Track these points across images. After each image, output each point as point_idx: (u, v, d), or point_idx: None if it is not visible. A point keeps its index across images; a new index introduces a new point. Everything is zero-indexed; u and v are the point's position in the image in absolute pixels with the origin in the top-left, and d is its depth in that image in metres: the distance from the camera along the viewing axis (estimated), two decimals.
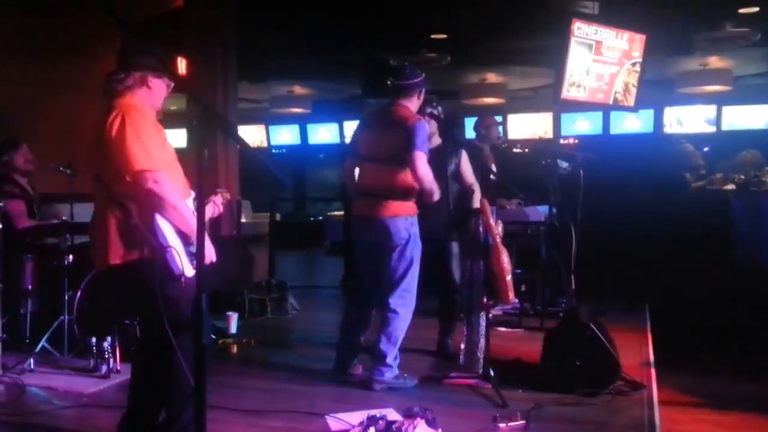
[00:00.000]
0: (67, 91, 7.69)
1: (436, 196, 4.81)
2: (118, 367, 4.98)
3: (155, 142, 3.26)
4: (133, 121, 3.23)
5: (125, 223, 3.24)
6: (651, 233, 7.66)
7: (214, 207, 3.72)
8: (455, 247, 5.66)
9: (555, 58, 8.06)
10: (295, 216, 15.93)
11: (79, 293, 5.41)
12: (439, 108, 5.57)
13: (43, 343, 5.26)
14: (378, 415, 3.90)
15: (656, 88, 11.11)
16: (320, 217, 16.03)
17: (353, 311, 5.15)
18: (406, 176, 4.77)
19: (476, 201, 5.55)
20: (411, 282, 4.86)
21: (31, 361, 5.08)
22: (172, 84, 3.55)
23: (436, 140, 5.66)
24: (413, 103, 4.98)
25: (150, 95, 3.45)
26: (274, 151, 15.55)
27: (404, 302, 4.84)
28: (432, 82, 5.15)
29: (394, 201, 4.78)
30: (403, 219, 4.79)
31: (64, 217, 5.55)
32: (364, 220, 4.89)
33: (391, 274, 4.83)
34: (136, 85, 3.40)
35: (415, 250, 4.84)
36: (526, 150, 6.88)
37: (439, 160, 5.14)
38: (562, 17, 7.90)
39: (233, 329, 6.38)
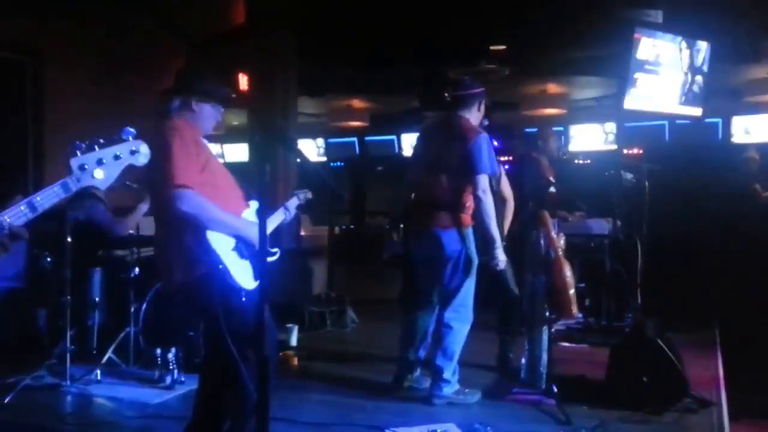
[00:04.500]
0: (136, 109, 7.82)
1: (489, 225, 4.67)
2: (183, 378, 5.05)
3: (190, 161, 3.24)
4: (167, 141, 3.22)
5: (182, 241, 3.26)
6: (719, 245, 7.47)
7: (286, 213, 3.85)
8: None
9: (618, 68, 7.96)
10: (353, 229, 15.97)
11: (144, 305, 5.50)
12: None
13: (109, 354, 5.36)
14: (439, 430, 3.88)
15: (723, 97, 10.86)
16: (379, 230, 16.02)
17: (409, 325, 5.10)
18: (462, 188, 4.71)
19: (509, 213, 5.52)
20: (466, 296, 4.78)
21: (98, 371, 5.17)
22: (222, 108, 3.58)
23: None
24: (473, 116, 4.90)
25: (195, 118, 3.46)
26: (332, 164, 15.63)
27: (459, 316, 4.77)
28: (491, 92, 5.09)
29: (447, 212, 4.71)
30: (456, 231, 4.70)
31: (131, 231, 5.65)
32: (419, 232, 4.86)
33: (445, 287, 4.77)
34: (179, 108, 3.44)
35: (470, 263, 4.75)
36: (588, 161, 6.80)
37: None
38: (625, 26, 7.80)
39: (293, 341, 6.41)
